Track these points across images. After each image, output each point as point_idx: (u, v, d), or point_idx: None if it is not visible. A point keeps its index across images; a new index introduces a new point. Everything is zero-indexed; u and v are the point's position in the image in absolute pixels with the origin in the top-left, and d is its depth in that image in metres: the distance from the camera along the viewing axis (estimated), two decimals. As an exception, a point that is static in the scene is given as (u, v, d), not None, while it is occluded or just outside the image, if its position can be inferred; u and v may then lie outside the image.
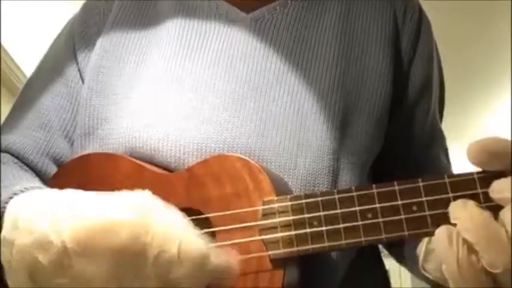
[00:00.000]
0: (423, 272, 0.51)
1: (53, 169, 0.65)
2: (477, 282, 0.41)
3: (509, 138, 0.43)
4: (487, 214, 0.42)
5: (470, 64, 3.29)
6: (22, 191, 0.51)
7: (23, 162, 0.64)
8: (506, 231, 0.41)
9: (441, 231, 0.43)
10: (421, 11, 0.71)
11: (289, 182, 0.57)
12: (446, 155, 0.74)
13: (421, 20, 0.70)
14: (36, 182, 0.59)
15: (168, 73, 0.64)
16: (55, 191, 0.49)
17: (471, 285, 0.41)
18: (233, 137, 0.58)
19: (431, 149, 0.72)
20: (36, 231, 0.43)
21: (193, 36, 0.66)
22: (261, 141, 0.58)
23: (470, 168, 0.46)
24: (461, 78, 3.30)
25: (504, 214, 0.42)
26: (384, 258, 0.71)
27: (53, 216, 0.43)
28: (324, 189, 0.57)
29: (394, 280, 3.20)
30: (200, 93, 0.61)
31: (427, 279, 0.53)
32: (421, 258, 0.51)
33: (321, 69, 0.63)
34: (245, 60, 0.63)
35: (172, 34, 0.66)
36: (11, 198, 0.50)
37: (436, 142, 0.72)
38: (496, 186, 0.43)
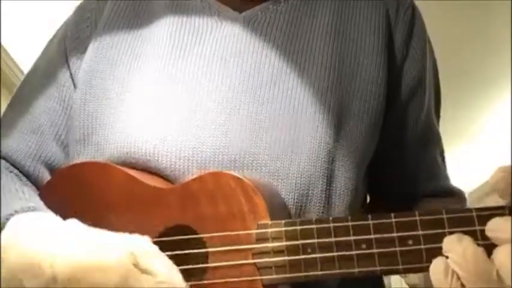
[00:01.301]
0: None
1: (44, 173, 0.65)
2: None
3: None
4: (479, 251, 0.42)
5: (470, 65, 3.27)
6: (17, 212, 0.51)
7: (15, 167, 0.64)
8: (497, 271, 0.41)
9: (438, 263, 0.43)
10: (414, 8, 0.71)
11: (283, 186, 0.57)
12: (443, 158, 0.74)
13: (414, 17, 0.70)
14: (33, 196, 0.60)
15: (162, 74, 0.63)
16: (55, 219, 0.50)
17: None
18: (227, 141, 0.58)
19: (426, 149, 0.71)
20: (28, 256, 0.44)
21: (187, 35, 0.66)
22: (255, 145, 0.58)
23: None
24: (460, 79, 3.29)
25: (496, 253, 0.42)
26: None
27: (49, 247, 0.44)
28: (319, 192, 0.58)
29: (394, 280, 3.20)
30: (195, 96, 0.61)
31: None
32: None
33: (315, 67, 0.63)
34: (239, 60, 0.63)
35: (166, 34, 0.66)
36: (11, 214, 0.51)
37: (432, 143, 0.72)
38: (491, 224, 0.43)
